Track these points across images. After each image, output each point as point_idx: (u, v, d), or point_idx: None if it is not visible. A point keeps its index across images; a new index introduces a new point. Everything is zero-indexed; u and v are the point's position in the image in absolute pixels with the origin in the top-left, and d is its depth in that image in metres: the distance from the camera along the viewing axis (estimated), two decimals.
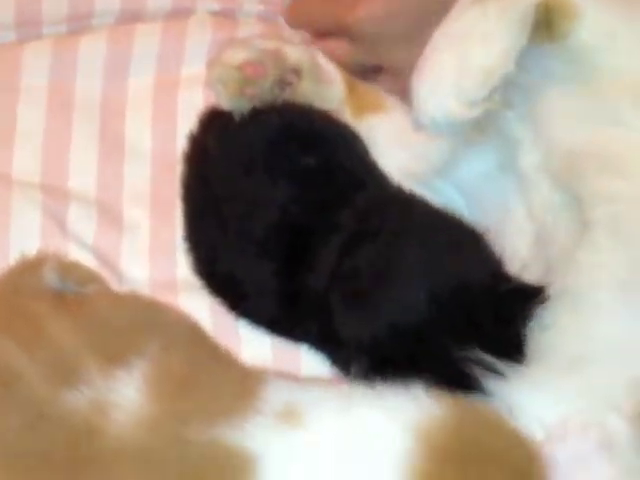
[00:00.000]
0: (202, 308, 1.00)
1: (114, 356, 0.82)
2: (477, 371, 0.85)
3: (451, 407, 0.78)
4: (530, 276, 0.97)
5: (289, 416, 0.78)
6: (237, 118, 1.00)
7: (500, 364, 0.85)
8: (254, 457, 0.76)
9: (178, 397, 0.80)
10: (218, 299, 1.00)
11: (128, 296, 0.96)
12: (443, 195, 1.02)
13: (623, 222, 0.88)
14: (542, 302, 0.89)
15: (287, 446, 0.77)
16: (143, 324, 0.88)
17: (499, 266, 0.96)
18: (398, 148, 1.06)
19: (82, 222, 1.03)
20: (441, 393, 0.79)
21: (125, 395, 0.79)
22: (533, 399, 0.83)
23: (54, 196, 1.04)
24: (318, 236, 0.96)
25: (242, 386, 0.82)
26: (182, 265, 1.02)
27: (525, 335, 0.88)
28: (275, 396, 0.80)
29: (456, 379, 0.85)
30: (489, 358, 0.85)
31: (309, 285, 0.95)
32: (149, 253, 1.03)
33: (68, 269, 0.96)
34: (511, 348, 0.86)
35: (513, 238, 0.99)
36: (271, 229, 0.98)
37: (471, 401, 0.80)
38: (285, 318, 0.98)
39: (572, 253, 0.92)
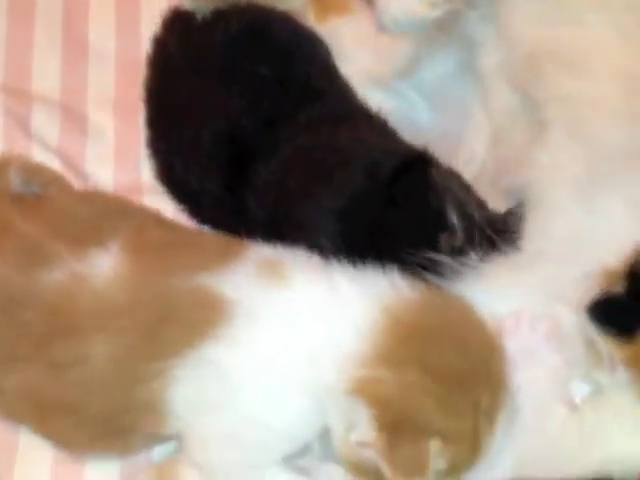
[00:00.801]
0: (166, 211, 1.00)
1: (85, 239, 0.83)
2: (431, 270, 0.88)
3: (423, 292, 0.80)
4: (485, 176, 0.99)
5: (270, 270, 0.80)
6: (199, 19, 1.00)
7: (453, 262, 0.87)
8: (229, 303, 0.78)
9: (159, 256, 0.82)
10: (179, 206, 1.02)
11: (92, 192, 0.97)
12: (405, 97, 1.02)
13: (579, 121, 0.90)
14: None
15: (263, 297, 0.79)
16: (112, 212, 0.89)
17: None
18: (362, 51, 1.06)
19: (46, 125, 1.03)
20: (416, 280, 0.81)
21: (102, 265, 0.81)
22: (487, 294, 0.86)
23: (17, 99, 1.04)
24: (260, 156, 0.96)
25: (226, 245, 0.85)
26: (146, 169, 1.03)
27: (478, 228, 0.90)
28: (259, 254, 0.82)
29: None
30: (443, 257, 0.87)
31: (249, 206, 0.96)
32: (114, 157, 1.04)
33: (33, 171, 0.96)
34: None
35: (471, 139, 1.00)
36: (219, 141, 0.97)
37: (445, 291, 0.82)
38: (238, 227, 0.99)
39: (528, 153, 0.93)
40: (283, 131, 0.95)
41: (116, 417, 0.82)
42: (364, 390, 0.74)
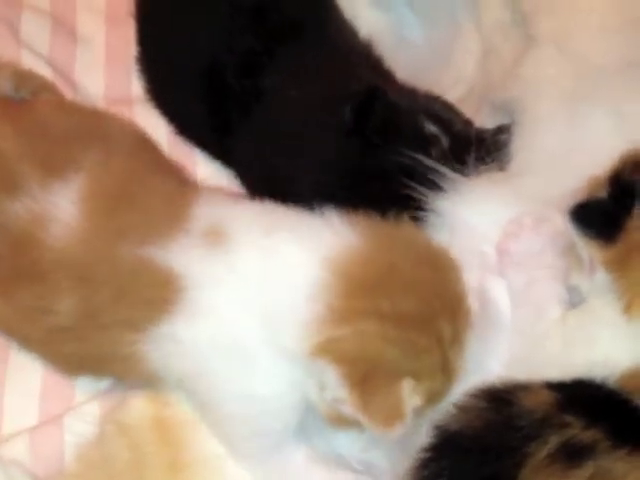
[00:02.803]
0: (159, 124, 1.01)
1: (52, 166, 0.82)
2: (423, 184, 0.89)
3: (366, 233, 0.77)
4: (475, 94, 1.00)
5: (215, 237, 0.78)
6: None
7: (447, 169, 0.88)
8: (180, 276, 0.76)
9: (111, 214, 0.80)
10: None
11: (73, 104, 0.96)
12: (396, 13, 1.02)
13: (568, 35, 0.91)
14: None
15: (210, 268, 0.77)
16: (83, 133, 0.87)
17: None
18: None
19: (36, 32, 1.02)
20: (357, 219, 0.78)
21: (62, 208, 0.79)
22: (479, 205, 0.87)
23: (8, 6, 1.03)
24: (240, 99, 0.96)
25: (175, 204, 0.82)
26: (137, 81, 1.03)
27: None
28: (204, 217, 0.80)
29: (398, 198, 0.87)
30: (438, 165, 0.88)
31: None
32: (104, 67, 1.04)
33: (24, 77, 0.95)
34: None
35: (461, 57, 1.01)
36: (201, 75, 0.97)
37: (390, 224, 0.79)
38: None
39: (517, 69, 0.94)
40: (264, 79, 0.95)
41: (90, 360, 0.81)
42: (327, 351, 0.73)
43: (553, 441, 0.65)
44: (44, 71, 1.00)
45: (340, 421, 0.76)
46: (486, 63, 1.00)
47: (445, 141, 0.90)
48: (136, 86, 1.03)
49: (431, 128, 0.90)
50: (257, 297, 0.75)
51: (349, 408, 0.72)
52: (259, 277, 0.76)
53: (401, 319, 0.73)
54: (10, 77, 0.95)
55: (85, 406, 0.84)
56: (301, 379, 0.74)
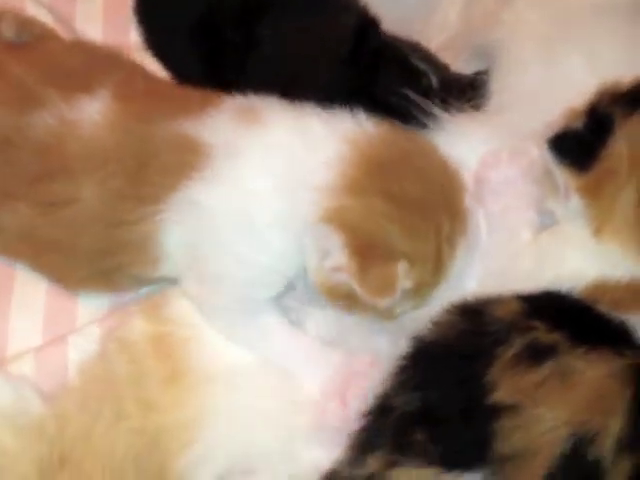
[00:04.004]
0: (157, 72, 1.05)
1: (75, 86, 0.87)
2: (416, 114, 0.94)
3: (386, 129, 0.84)
4: (457, 41, 1.05)
5: (246, 115, 0.85)
6: None
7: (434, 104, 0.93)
8: (207, 145, 0.82)
9: (143, 105, 0.86)
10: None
11: (83, 43, 1.00)
12: None
13: None
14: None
15: (239, 139, 0.83)
16: (101, 62, 0.93)
17: None
18: None
19: None
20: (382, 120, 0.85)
21: (90, 111, 0.85)
22: (461, 138, 0.92)
23: None
24: (236, 49, 1.00)
25: (205, 96, 0.88)
26: (135, 29, 1.07)
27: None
28: (235, 102, 0.87)
29: None
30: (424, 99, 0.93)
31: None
32: (103, 15, 1.08)
33: (25, 23, 0.99)
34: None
35: (444, 4, 1.05)
36: (196, 25, 1.02)
37: (408, 130, 0.87)
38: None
39: (497, 14, 0.99)
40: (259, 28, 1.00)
41: (104, 257, 0.87)
42: (334, 218, 0.79)
43: (518, 343, 0.71)
44: (46, 18, 1.04)
45: (333, 293, 0.82)
46: (469, 11, 1.04)
47: (434, 80, 0.96)
48: (134, 34, 1.08)
49: (421, 65, 0.95)
50: (279, 166, 0.82)
51: (346, 275, 0.78)
52: (284, 149, 0.83)
53: (406, 203, 0.80)
54: (12, 23, 0.98)
55: (87, 327, 0.89)
56: (302, 250, 0.81)
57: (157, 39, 1.07)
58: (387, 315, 0.82)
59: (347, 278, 0.79)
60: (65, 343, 0.88)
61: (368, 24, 0.98)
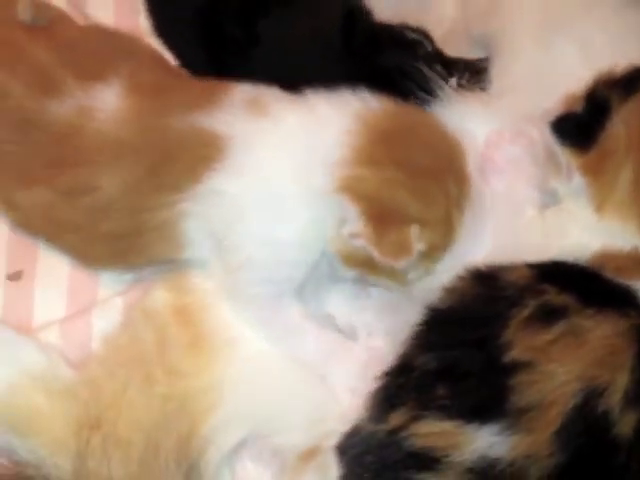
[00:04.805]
0: (166, 57, 1.09)
1: (91, 73, 0.90)
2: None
3: (391, 104, 0.89)
4: (455, 33, 1.10)
5: (255, 104, 0.89)
6: None
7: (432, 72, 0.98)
8: (225, 137, 0.86)
9: (157, 98, 0.90)
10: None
11: (97, 27, 1.03)
12: None
13: None
14: None
15: (253, 128, 0.87)
16: (115, 48, 0.96)
17: None
18: None
19: None
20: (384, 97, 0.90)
21: (105, 100, 0.88)
22: (464, 118, 0.97)
23: None
24: (238, 46, 1.03)
25: (214, 87, 0.92)
26: (145, 15, 1.10)
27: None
28: (243, 92, 0.91)
29: None
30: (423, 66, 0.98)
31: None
32: (114, 1, 1.11)
33: (40, 8, 1.01)
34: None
35: None
36: (198, 20, 1.05)
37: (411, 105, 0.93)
38: None
39: (495, 4, 1.04)
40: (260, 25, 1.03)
41: (125, 240, 0.89)
42: (349, 188, 0.84)
43: (532, 305, 0.76)
44: (58, 3, 1.07)
45: (351, 259, 0.86)
46: (465, 3, 1.09)
47: (427, 44, 1.00)
48: (144, 20, 1.10)
49: (412, 35, 1.00)
50: (293, 149, 0.86)
51: (363, 241, 0.82)
52: (295, 132, 0.87)
53: (415, 170, 0.85)
54: (28, 6, 1.01)
55: (111, 299, 0.93)
56: (322, 222, 0.85)
57: (164, 28, 1.10)
58: (401, 280, 0.86)
59: (364, 243, 0.83)
60: (89, 314, 0.91)
61: (353, 7, 1.02)
